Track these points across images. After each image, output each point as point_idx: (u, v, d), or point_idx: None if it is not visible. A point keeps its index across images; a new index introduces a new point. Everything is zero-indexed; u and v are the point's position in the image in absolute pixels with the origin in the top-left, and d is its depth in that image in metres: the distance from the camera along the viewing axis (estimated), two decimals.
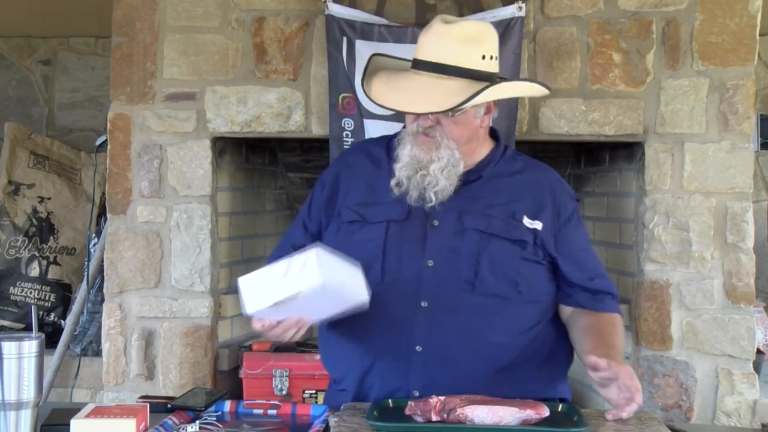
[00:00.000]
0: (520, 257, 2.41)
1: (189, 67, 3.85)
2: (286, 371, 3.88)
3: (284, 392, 3.86)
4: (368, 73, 2.55)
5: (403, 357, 2.37)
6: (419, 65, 2.40)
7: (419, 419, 2.07)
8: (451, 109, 2.35)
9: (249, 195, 4.36)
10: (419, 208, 2.41)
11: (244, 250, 4.32)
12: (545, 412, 2.08)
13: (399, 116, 3.67)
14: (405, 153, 2.40)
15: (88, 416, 1.99)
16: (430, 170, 2.37)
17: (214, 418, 2.25)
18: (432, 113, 2.37)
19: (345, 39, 3.71)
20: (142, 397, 2.46)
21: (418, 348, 2.36)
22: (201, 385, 3.82)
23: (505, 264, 2.39)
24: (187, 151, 3.87)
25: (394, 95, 2.42)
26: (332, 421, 2.12)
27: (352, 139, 3.75)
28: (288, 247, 2.55)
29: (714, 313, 3.74)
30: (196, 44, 3.84)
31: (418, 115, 2.41)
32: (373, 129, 3.74)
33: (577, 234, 2.53)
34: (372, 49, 3.70)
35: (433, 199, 2.38)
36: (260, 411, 2.38)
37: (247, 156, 4.30)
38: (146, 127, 3.87)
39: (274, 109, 3.82)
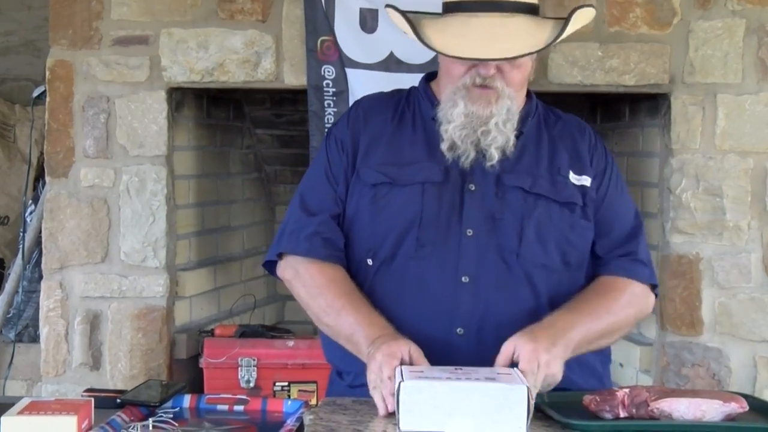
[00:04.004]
0: (569, 223, 2.43)
1: (141, 7, 3.83)
2: (253, 360, 3.89)
3: (252, 384, 3.88)
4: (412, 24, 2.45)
5: (443, 341, 2.34)
6: (473, 6, 2.38)
7: (608, 415, 2.07)
8: (546, 47, 2.37)
9: (211, 155, 4.35)
10: (455, 168, 2.40)
11: (206, 218, 4.32)
12: (746, 405, 2.09)
13: (385, 66, 3.74)
14: (458, 112, 2.36)
15: (21, 413, 1.98)
16: (491, 126, 2.35)
17: (171, 416, 2.25)
18: (526, 54, 2.35)
19: None
20: (87, 390, 2.46)
21: (460, 330, 2.35)
22: (155, 377, 3.82)
23: (553, 231, 2.41)
24: (139, 104, 3.86)
25: (464, 42, 2.36)
26: (307, 418, 2.11)
27: (334, 89, 3.75)
28: (324, 217, 2.46)
29: (751, 292, 3.75)
30: None
31: (478, 63, 2.36)
32: (356, 80, 3.74)
33: (613, 190, 2.54)
34: None
35: (496, 156, 2.37)
36: (225, 407, 2.37)
37: (209, 110, 4.30)
38: (91, 76, 3.86)
39: (239, 55, 3.80)
